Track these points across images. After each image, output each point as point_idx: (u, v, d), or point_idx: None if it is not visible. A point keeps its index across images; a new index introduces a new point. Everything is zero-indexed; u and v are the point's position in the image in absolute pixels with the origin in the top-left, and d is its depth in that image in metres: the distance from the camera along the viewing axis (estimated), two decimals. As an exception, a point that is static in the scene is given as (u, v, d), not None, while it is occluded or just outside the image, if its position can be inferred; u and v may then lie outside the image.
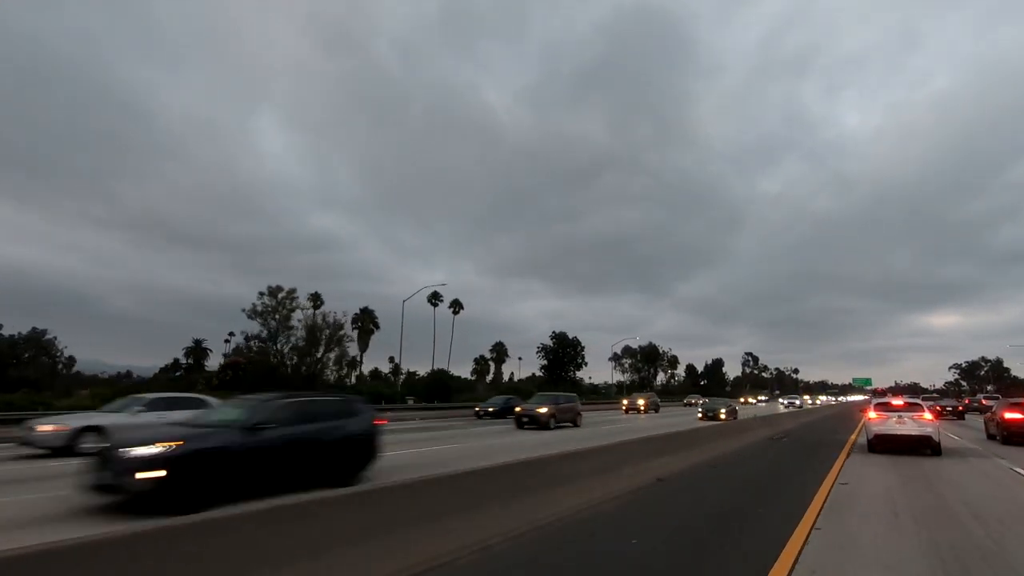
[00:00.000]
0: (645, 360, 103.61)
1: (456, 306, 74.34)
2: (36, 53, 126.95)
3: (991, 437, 18.05)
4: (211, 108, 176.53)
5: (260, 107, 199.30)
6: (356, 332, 59.60)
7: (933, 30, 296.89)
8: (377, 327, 62.98)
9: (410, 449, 13.80)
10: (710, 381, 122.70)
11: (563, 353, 77.57)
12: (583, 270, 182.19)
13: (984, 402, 44.15)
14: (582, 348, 79.52)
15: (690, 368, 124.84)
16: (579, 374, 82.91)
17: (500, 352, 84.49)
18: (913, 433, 12.95)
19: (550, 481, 5.81)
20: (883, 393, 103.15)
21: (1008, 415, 16.39)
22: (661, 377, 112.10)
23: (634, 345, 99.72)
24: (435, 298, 71.35)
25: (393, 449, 11.27)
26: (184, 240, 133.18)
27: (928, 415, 13.34)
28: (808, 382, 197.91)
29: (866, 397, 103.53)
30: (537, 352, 79.84)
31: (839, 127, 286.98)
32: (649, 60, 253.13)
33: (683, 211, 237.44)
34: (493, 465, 5.54)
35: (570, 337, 78.68)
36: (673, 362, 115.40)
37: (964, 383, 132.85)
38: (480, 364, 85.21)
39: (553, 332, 78.53)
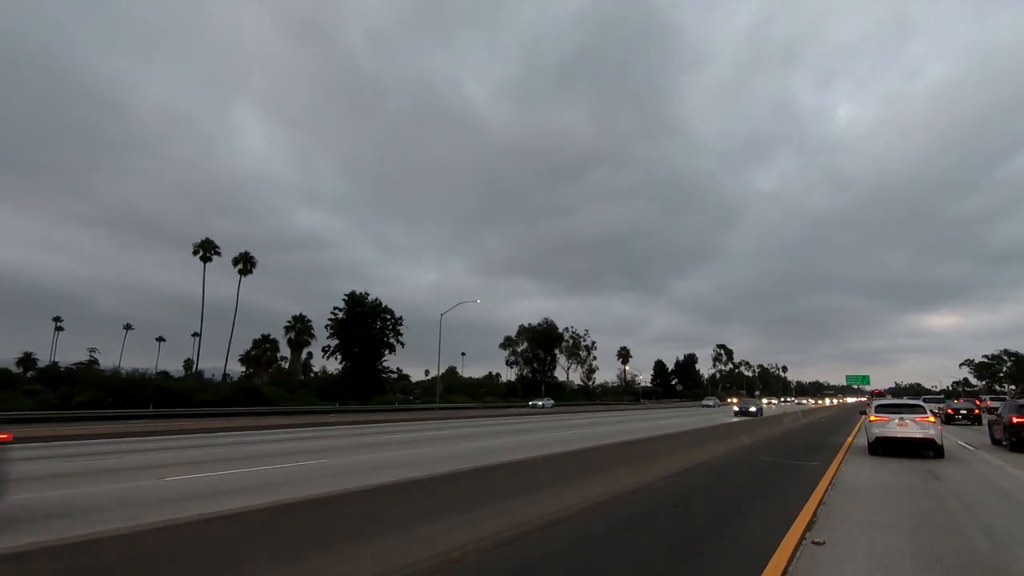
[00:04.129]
0: (539, 344, 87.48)
1: (245, 263, 60.20)
2: (8, 44, 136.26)
3: (996, 442, 19.77)
4: (188, 102, 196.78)
5: (237, 102, 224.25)
6: None
7: (927, 18, 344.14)
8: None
9: None
10: (682, 379, 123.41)
11: (364, 328, 61.65)
12: (576, 268, 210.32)
13: (979, 402, 45.41)
14: (396, 321, 64.91)
15: (659, 365, 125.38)
16: (393, 363, 68.76)
17: (301, 332, 65.98)
18: (915, 435, 15.25)
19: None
20: (882, 394, 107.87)
21: (1017, 419, 17.59)
22: (578, 371, 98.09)
23: (475, 310, 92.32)
24: (206, 250, 59.16)
25: None
26: (167, 238, 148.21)
27: (931, 417, 15.62)
28: (802, 382, 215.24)
29: (864, 399, 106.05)
30: (327, 327, 63.79)
31: (832, 121, 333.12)
32: (631, 51, 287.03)
33: (675, 208, 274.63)
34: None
35: (370, 300, 63.60)
36: (625, 355, 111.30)
37: (977, 382, 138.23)
38: (260, 349, 65.55)
39: (347, 294, 63.26)
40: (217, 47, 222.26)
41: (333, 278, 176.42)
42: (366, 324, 61.65)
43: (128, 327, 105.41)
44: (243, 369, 68.30)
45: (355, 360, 61.33)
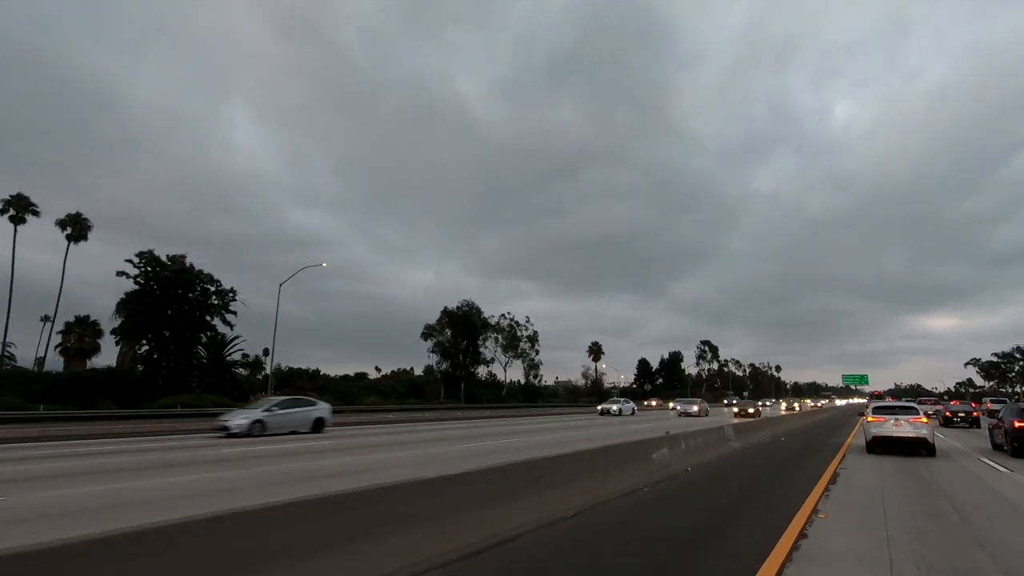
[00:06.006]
0: (459, 331, 75.78)
1: (75, 226, 50.04)
2: (4, 42, 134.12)
3: (997, 447, 20.32)
4: (183, 100, 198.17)
5: (232, 100, 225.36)
6: None
7: (926, 17, 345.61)
8: None
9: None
10: (666, 379, 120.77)
11: (159, 303, 46.37)
12: (575, 269, 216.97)
13: (975, 404, 46.63)
14: (224, 294, 51.54)
15: (642, 363, 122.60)
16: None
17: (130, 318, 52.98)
18: (909, 435, 17.31)
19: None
20: (880, 396, 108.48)
21: (1020, 423, 17.76)
22: (516, 367, 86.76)
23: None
24: (18, 209, 49.98)
25: None
26: (161, 237, 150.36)
27: (924, 418, 17.77)
28: (800, 383, 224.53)
29: (863, 401, 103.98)
30: (116, 318, 48.78)
31: (831, 121, 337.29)
32: (626, 49, 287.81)
33: (674, 208, 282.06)
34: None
35: (178, 262, 49.04)
36: (596, 351, 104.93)
37: (984, 382, 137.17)
38: (73, 335, 54.35)
39: (138, 253, 47.32)
40: (210, 44, 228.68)
41: (333, 278, 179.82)
42: (165, 297, 46.73)
43: (45, 319, 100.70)
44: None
45: (158, 347, 47.45)
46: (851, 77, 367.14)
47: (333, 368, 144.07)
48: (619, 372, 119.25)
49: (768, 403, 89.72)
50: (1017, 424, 17.62)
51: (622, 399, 54.20)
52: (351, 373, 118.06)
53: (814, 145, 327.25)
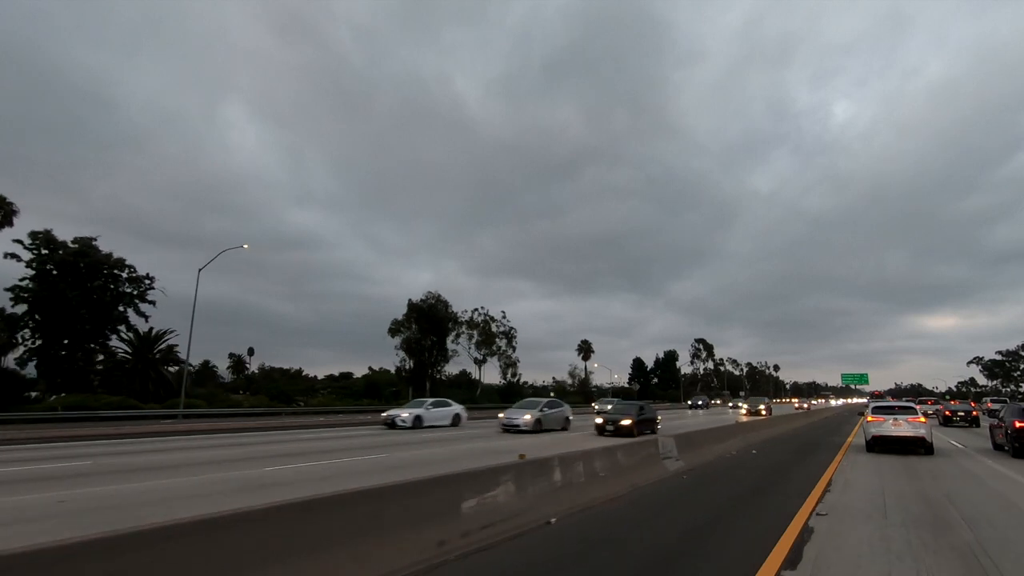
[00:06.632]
0: (426, 326, 68.79)
1: None
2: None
3: (997, 447, 20.39)
4: (176, 99, 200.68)
5: (226, 99, 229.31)
6: None
7: (924, 14, 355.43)
8: None
9: None
10: (661, 378, 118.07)
11: (54, 290, 40.87)
12: (573, 269, 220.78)
13: (975, 404, 48.04)
14: (139, 282, 46.00)
15: (637, 362, 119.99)
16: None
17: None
18: (908, 434, 18.29)
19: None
20: (880, 396, 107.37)
21: (1021, 423, 17.55)
22: (493, 366, 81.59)
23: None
24: None
25: None
26: (158, 237, 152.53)
27: (923, 418, 18.57)
28: (799, 383, 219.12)
29: (863, 400, 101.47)
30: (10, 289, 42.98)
31: (829, 120, 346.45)
32: (624, 47, 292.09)
33: (672, 208, 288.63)
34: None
35: (82, 244, 42.97)
36: (586, 349, 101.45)
37: (988, 381, 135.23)
38: None
39: (33, 233, 41.54)
40: (204, 43, 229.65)
41: (331, 278, 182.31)
42: (62, 283, 41.01)
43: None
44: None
45: (52, 339, 41.83)
46: (849, 76, 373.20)
47: (329, 369, 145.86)
48: (611, 371, 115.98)
49: (741, 404, 77.92)
50: (1018, 424, 17.66)
51: (429, 400, 33.42)
52: (336, 373, 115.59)
53: (812, 144, 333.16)
